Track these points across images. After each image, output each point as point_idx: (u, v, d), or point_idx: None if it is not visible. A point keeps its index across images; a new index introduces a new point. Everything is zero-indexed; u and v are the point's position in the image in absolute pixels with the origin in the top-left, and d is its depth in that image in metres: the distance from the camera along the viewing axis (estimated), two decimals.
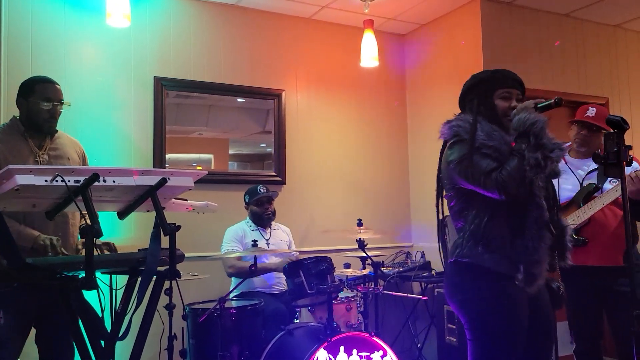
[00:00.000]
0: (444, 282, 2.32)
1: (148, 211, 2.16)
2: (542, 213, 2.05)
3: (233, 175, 4.32)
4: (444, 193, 2.30)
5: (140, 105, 3.97)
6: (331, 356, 2.93)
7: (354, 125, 4.76)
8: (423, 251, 4.68)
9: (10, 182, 1.72)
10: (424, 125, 4.81)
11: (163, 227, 2.01)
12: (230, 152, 4.51)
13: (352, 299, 3.56)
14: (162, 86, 4.03)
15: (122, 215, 2.17)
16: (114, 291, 2.10)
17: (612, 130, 1.94)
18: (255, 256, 3.33)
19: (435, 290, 4.20)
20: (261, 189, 3.89)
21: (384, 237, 4.61)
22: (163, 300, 2.43)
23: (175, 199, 2.29)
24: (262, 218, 3.88)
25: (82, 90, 3.70)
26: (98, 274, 1.92)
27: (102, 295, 1.97)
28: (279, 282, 3.77)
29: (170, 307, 3.12)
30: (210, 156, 4.46)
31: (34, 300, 2.49)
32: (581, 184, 2.92)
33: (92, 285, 1.81)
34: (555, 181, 2.32)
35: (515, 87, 2.21)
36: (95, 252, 2.14)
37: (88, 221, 1.88)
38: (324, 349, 2.91)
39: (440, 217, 2.34)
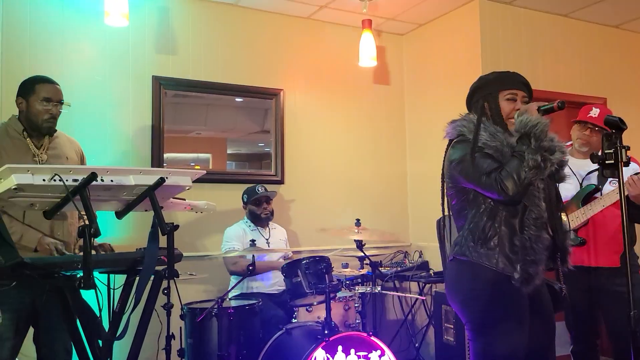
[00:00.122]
0: (445, 281, 2.34)
1: (146, 211, 2.16)
2: (540, 214, 2.07)
3: (231, 175, 4.32)
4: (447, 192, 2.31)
5: (139, 104, 3.97)
6: (329, 356, 2.93)
7: (352, 125, 4.76)
8: (421, 251, 4.69)
9: (8, 182, 1.72)
10: (422, 125, 4.82)
11: (161, 226, 2.02)
12: (229, 151, 4.51)
13: (350, 298, 3.57)
14: (161, 85, 4.02)
15: (120, 214, 2.17)
16: (111, 291, 2.10)
17: (610, 130, 1.95)
18: (253, 255, 3.33)
19: (433, 289, 4.21)
20: (259, 189, 3.89)
21: (382, 237, 4.61)
22: (161, 299, 2.43)
23: (173, 198, 2.29)
24: (260, 218, 3.88)
25: (80, 89, 3.69)
26: (96, 274, 1.92)
27: (100, 294, 1.97)
28: (278, 282, 3.77)
29: (168, 307, 3.12)
30: (208, 155, 4.46)
31: (32, 299, 2.49)
32: (581, 184, 2.92)
33: (90, 284, 1.81)
34: None
35: (521, 89, 2.23)
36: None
37: (86, 221, 1.88)
38: (322, 348, 2.92)
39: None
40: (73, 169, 1.87)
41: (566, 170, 2.25)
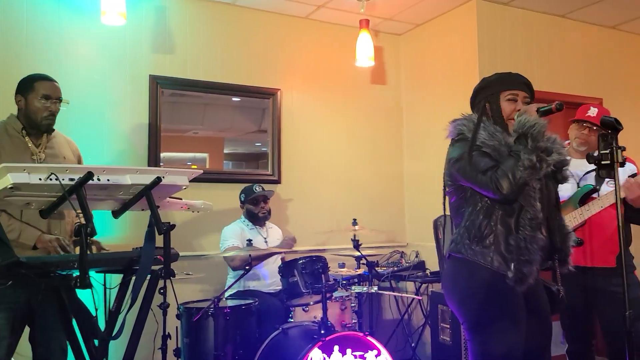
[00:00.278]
0: (442, 280, 2.35)
1: (143, 210, 2.16)
2: (536, 215, 2.08)
3: (228, 175, 4.32)
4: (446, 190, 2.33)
5: (135, 103, 3.96)
6: (325, 355, 2.94)
7: (349, 124, 4.76)
8: (417, 251, 4.69)
9: (4, 181, 1.72)
10: (420, 125, 4.82)
11: (157, 226, 2.02)
12: (226, 151, 4.51)
13: (346, 298, 3.57)
14: (158, 84, 4.02)
15: (116, 214, 2.17)
16: (107, 290, 2.10)
17: (607, 131, 1.96)
18: (250, 255, 3.33)
19: (430, 289, 4.21)
20: (256, 188, 3.89)
21: (378, 237, 4.62)
22: (157, 299, 2.43)
23: (170, 197, 2.29)
24: (258, 217, 3.88)
25: (77, 88, 3.68)
26: (92, 273, 1.92)
27: (95, 294, 1.96)
28: (274, 282, 3.77)
29: (164, 306, 3.11)
30: (205, 155, 4.46)
31: (28, 298, 2.49)
32: (578, 184, 2.93)
33: (86, 284, 1.81)
34: None
35: (522, 89, 2.25)
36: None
37: (82, 219, 1.87)
38: (318, 348, 2.92)
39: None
40: (69, 168, 1.87)
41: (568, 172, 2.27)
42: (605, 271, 2.79)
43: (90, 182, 1.86)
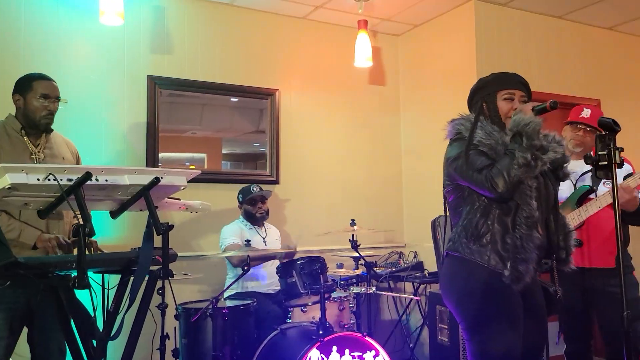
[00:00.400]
0: (439, 280, 2.35)
1: (141, 210, 2.16)
2: (532, 213, 2.09)
3: (226, 175, 4.32)
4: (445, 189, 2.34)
5: (134, 103, 3.96)
6: (324, 356, 2.94)
7: (347, 125, 4.77)
8: (416, 251, 4.69)
9: (2, 181, 1.72)
10: (418, 126, 4.82)
11: (156, 226, 2.01)
12: (224, 151, 4.51)
13: (344, 299, 3.57)
14: (156, 85, 4.01)
15: (114, 214, 2.17)
16: (106, 290, 2.09)
17: (604, 132, 1.96)
18: (248, 256, 3.33)
19: (428, 290, 4.22)
20: (254, 188, 3.89)
21: (377, 237, 4.63)
22: (155, 299, 2.43)
23: (168, 198, 2.29)
24: (256, 217, 3.88)
25: (75, 88, 3.68)
26: (90, 273, 1.91)
27: (94, 294, 1.96)
28: (274, 282, 3.77)
29: (162, 307, 3.12)
30: (203, 155, 4.46)
31: (26, 298, 2.49)
32: (575, 185, 2.93)
33: (85, 284, 1.81)
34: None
35: (519, 89, 2.26)
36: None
37: (80, 220, 1.87)
38: (317, 348, 2.92)
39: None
40: (67, 169, 1.87)
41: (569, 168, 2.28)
42: (604, 272, 2.80)
43: (89, 182, 1.85)
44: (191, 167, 4.39)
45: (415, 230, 4.79)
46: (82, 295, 1.95)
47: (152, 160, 3.96)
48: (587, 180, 2.91)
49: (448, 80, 4.43)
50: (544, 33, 4.58)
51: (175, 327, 3.23)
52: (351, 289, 3.74)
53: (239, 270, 3.34)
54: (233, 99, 4.39)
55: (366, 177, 4.80)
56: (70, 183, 1.83)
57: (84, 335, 2.01)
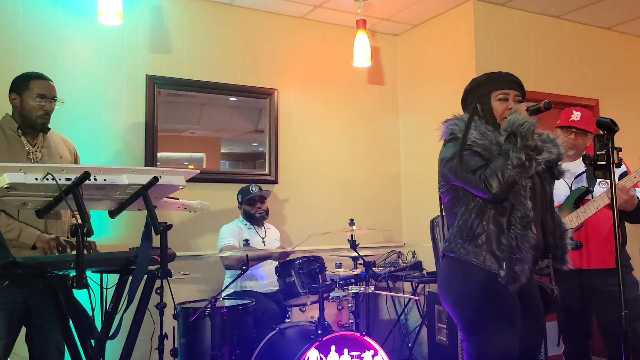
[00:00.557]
0: (437, 281, 2.35)
1: (139, 210, 2.16)
2: (526, 213, 2.09)
3: (225, 175, 4.32)
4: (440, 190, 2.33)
5: (132, 103, 3.95)
6: (322, 356, 2.94)
7: (346, 125, 4.77)
8: (414, 251, 4.70)
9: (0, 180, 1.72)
10: (416, 125, 4.83)
11: (154, 226, 2.01)
12: (223, 151, 4.50)
13: (343, 298, 3.57)
14: (154, 84, 4.01)
15: (113, 214, 2.17)
16: (104, 290, 2.09)
17: (601, 132, 1.96)
18: (247, 255, 3.33)
19: (426, 289, 4.22)
20: (253, 188, 3.89)
21: (375, 237, 4.63)
22: (154, 299, 2.43)
23: (166, 197, 2.29)
24: (255, 217, 3.88)
25: (73, 88, 3.68)
26: (88, 273, 1.91)
27: (92, 294, 1.96)
28: (272, 282, 3.77)
29: (161, 306, 3.11)
30: (202, 155, 4.45)
31: (24, 298, 2.48)
32: (570, 187, 2.93)
33: (83, 284, 1.81)
34: None
35: (513, 88, 2.25)
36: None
37: (79, 220, 1.87)
38: (315, 348, 2.92)
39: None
40: (66, 168, 1.87)
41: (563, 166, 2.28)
42: (603, 272, 2.80)
43: (87, 182, 1.85)
44: (190, 166, 4.38)
45: (414, 229, 4.79)
46: (80, 294, 1.95)
47: (150, 159, 3.95)
48: (583, 182, 2.91)
49: (447, 80, 4.43)
50: (543, 33, 4.58)
51: (173, 327, 3.23)
52: (350, 288, 3.75)
53: (238, 270, 3.34)
54: (232, 99, 4.39)
55: (365, 177, 4.80)
56: (69, 182, 1.83)
57: (83, 335, 2.01)
